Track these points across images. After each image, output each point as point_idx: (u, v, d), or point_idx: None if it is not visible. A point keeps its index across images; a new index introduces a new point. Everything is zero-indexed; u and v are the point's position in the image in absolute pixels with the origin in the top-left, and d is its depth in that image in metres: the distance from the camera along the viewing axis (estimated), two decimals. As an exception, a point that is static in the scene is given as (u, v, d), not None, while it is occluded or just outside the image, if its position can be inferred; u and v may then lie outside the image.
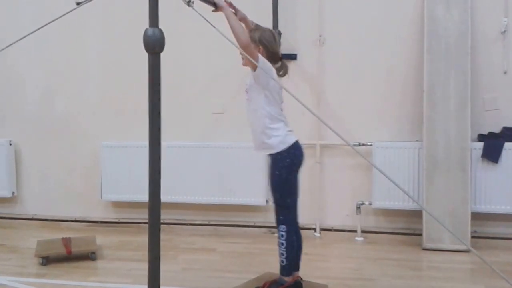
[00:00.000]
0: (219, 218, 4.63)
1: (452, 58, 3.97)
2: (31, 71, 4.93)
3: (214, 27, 2.25)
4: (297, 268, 2.97)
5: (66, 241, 3.86)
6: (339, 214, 4.43)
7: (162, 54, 2.09)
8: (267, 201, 4.45)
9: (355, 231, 4.30)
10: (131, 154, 4.56)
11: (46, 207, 4.95)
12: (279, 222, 2.87)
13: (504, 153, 3.99)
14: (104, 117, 4.80)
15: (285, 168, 2.82)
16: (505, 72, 4.11)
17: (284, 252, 2.84)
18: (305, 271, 3.03)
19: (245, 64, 2.85)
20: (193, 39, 4.46)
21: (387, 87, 4.30)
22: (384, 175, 2.13)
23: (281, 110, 2.87)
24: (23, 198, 5.03)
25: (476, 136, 4.10)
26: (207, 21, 2.27)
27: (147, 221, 2.16)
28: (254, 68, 2.67)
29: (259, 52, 2.75)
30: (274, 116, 2.81)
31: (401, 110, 4.29)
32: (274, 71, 2.83)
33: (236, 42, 2.54)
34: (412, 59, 4.20)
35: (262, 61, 2.70)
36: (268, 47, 2.82)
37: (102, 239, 4.21)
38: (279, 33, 4.15)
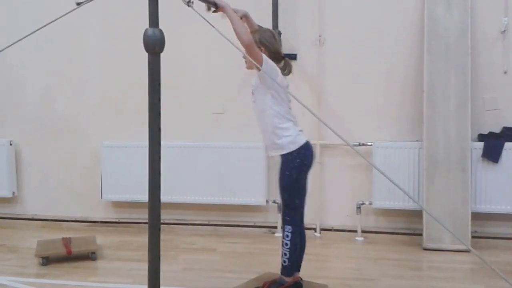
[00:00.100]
0: (219, 218, 4.63)
1: (452, 58, 3.97)
2: (32, 71, 4.93)
3: (214, 27, 2.25)
4: (298, 268, 2.97)
5: (66, 241, 3.86)
6: (339, 214, 4.44)
7: (162, 54, 2.09)
8: (267, 201, 4.45)
9: (355, 231, 4.30)
10: (131, 154, 4.56)
11: (47, 207, 4.95)
12: (285, 222, 2.86)
13: (504, 153, 3.99)
14: (104, 117, 4.80)
15: (295, 168, 2.80)
16: (505, 72, 4.11)
17: (287, 253, 2.83)
18: (305, 271, 3.03)
19: (249, 68, 2.84)
20: (193, 39, 4.46)
21: (387, 87, 4.30)
22: (384, 175, 2.13)
23: (290, 109, 2.85)
24: (24, 198, 5.03)
25: (476, 136, 4.10)
26: (207, 21, 2.27)
27: (147, 221, 2.16)
28: (259, 68, 2.66)
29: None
30: (283, 116, 2.79)
31: (401, 110, 4.29)
32: (278, 70, 2.81)
33: (237, 42, 2.53)
34: (412, 59, 4.20)
35: (266, 60, 2.69)
36: (269, 47, 2.82)
37: (102, 239, 4.21)
38: (279, 33, 4.15)
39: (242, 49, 2.54)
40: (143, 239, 2.40)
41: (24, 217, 4.97)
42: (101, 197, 4.75)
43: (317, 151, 4.36)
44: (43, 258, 3.64)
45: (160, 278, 2.17)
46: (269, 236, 4.41)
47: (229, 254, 3.91)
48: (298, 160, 2.80)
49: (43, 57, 4.87)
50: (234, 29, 2.60)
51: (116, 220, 4.80)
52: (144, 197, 2.20)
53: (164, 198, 2.23)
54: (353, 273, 3.45)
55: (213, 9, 2.64)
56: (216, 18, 2.50)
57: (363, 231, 4.29)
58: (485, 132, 4.12)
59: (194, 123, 4.62)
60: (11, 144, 4.89)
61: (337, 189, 4.41)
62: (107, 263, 3.73)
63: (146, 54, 2.08)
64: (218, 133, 4.55)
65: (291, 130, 2.81)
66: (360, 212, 4.31)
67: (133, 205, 4.67)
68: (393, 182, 2.12)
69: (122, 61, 4.67)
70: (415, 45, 4.18)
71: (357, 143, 4.20)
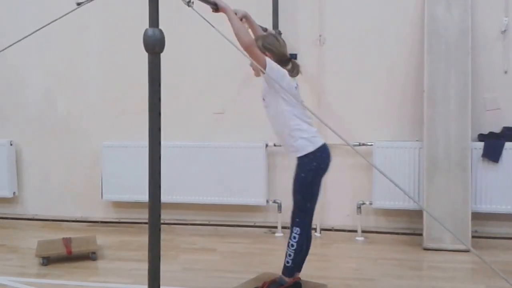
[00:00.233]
0: (220, 218, 4.63)
1: (452, 58, 3.97)
2: (32, 72, 4.93)
3: (214, 27, 2.25)
4: (299, 269, 2.97)
5: (67, 241, 3.86)
6: (339, 214, 4.44)
7: (162, 54, 2.09)
8: (267, 201, 4.45)
9: (356, 231, 4.30)
10: (132, 154, 4.56)
11: (47, 207, 4.95)
12: (294, 224, 2.84)
13: (504, 152, 3.99)
14: (104, 117, 4.80)
15: (311, 171, 2.79)
16: (505, 72, 4.11)
17: (292, 254, 2.83)
18: (305, 271, 3.03)
19: (257, 75, 2.84)
20: (193, 39, 4.46)
21: (388, 87, 4.30)
22: (384, 175, 2.13)
23: (304, 109, 2.82)
24: (24, 198, 5.03)
25: (476, 136, 4.10)
26: (207, 21, 2.27)
27: (147, 221, 2.16)
28: (264, 69, 2.64)
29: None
30: (298, 117, 2.77)
31: (401, 110, 4.29)
32: (285, 71, 2.78)
33: (238, 42, 2.53)
34: (413, 59, 4.20)
35: (270, 63, 2.67)
36: (273, 51, 2.79)
37: (103, 239, 4.21)
38: (279, 33, 4.15)
39: (243, 49, 2.54)
40: (143, 239, 2.40)
41: (24, 217, 4.97)
42: (102, 197, 4.75)
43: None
44: (43, 258, 3.65)
45: (160, 278, 2.17)
46: (269, 236, 4.41)
47: (229, 254, 3.91)
48: (314, 163, 2.79)
49: (43, 57, 4.87)
50: (234, 30, 2.60)
51: (117, 220, 4.80)
52: (144, 197, 2.20)
53: (164, 198, 2.23)
54: (353, 273, 3.45)
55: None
56: (216, 18, 2.50)
57: (363, 231, 4.29)
58: (486, 132, 4.12)
59: (194, 123, 4.62)
60: (11, 144, 4.89)
61: (337, 189, 4.41)
62: (107, 263, 3.73)
63: (146, 54, 2.08)
64: (218, 133, 4.56)
65: (307, 132, 2.79)
66: (360, 212, 4.30)
67: (134, 205, 4.67)
68: (393, 182, 2.12)
69: (122, 61, 4.67)
70: (415, 45, 4.18)
71: (357, 143, 4.20)
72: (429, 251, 3.87)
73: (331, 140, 4.25)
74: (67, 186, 4.92)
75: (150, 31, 2.05)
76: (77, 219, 4.88)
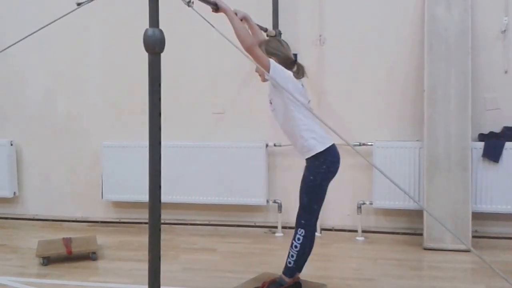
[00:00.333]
0: (220, 218, 4.63)
1: (452, 57, 3.97)
2: (32, 72, 4.93)
3: (214, 27, 2.25)
4: (300, 269, 2.97)
5: (67, 241, 3.86)
6: (339, 214, 4.43)
7: (162, 54, 2.09)
8: (267, 201, 4.45)
9: (356, 231, 4.30)
10: (132, 154, 4.56)
11: (47, 207, 4.95)
12: (299, 225, 2.84)
13: (505, 152, 3.98)
14: (104, 117, 4.80)
15: (320, 174, 2.79)
16: (505, 72, 4.10)
17: (295, 255, 2.83)
18: (305, 271, 3.03)
19: (264, 80, 2.84)
20: (193, 39, 4.46)
21: (388, 87, 4.30)
22: (384, 175, 2.13)
23: (311, 109, 2.82)
24: (24, 198, 5.03)
25: (476, 135, 4.10)
26: (207, 21, 2.27)
27: (147, 221, 2.16)
28: (267, 71, 2.64)
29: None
30: (306, 117, 2.76)
31: (401, 110, 4.29)
32: (289, 73, 2.78)
33: (238, 42, 2.53)
34: (413, 59, 4.20)
35: (273, 65, 2.67)
36: (279, 55, 2.79)
37: (103, 239, 4.21)
38: (280, 33, 4.15)
39: (242, 49, 2.54)
40: (144, 239, 2.40)
41: (25, 217, 4.97)
42: (102, 197, 4.75)
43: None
44: (43, 258, 3.65)
45: (160, 278, 2.17)
46: (270, 236, 4.41)
47: (229, 254, 3.91)
48: (324, 167, 2.78)
49: (44, 57, 4.88)
50: (235, 31, 2.60)
51: (117, 220, 4.80)
52: (145, 197, 2.20)
53: (164, 198, 2.23)
54: (353, 273, 3.45)
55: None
56: (216, 18, 2.50)
57: (363, 231, 4.29)
58: (486, 131, 4.12)
59: (194, 123, 4.62)
60: (11, 144, 4.89)
61: (337, 188, 4.34)
62: (107, 263, 3.73)
63: (146, 54, 2.08)
64: (218, 133, 4.56)
65: (316, 132, 2.78)
66: (360, 212, 4.30)
67: (134, 205, 4.67)
68: (393, 182, 2.12)
69: (122, 61, 4.67)
70: (415, 45, 4.17)
71: (358, 143, 4.20)
72: (429, 251, 3.87)
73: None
74: (67, 186, 4.92)
75: (150, 31, 2.05)
76: (77, 219, 4.88)
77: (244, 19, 2.93)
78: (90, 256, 3.74)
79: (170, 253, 3.84)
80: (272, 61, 2.68)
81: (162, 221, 2.19)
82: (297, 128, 2.78)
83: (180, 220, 4.67)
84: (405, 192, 2.52)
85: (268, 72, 2.64)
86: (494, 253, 3.79)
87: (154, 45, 2.05)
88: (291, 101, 2.72)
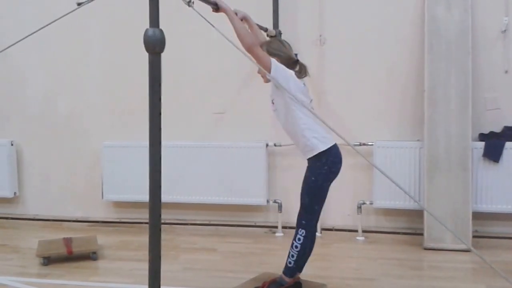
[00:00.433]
0: (220, 218, 4.63)
1: (452, 57, 3.97)
2: (33, 72, 4.93)
3: (214, 27, 2.25)
4: (300, 270, 2.97)
5: (67, 241, 3.86)
6: (340, 214, 4.43)
7: (162, 54, 2.09)
8: (267, 201, 4.45)
9: (356, 231, 4.30)
10: (132, 154, 4.56)
11: (48, 207, 4.96)
12: (300, 225, 2.84)
13: (505, 152, 3.98)
14: (105, 117, 4.80)
15: (322, 175, 2.79)
16: (506, 72, 4.10)
17: (295, 255, 2.83)
18: (306, 271, 3.03)
19: (266, 81, 2.84)
20: (193, 39, 4.46)
21: (388, 87, 4.30)
22: (385, 175, 2.13)
23: (312, 109, 2.83)
24: (25, 198, 5.04)
25: (477, 135, 4.10)
26: (207, 21, 2.27)
27: (148, 221, 2.16)
28: (268, 71, 2.64)
29: None
30: (308, 117, 2.76)
31: (401, 110, 4.29)
32: (291, 72, 2.78)
33: (238, 43, 2.53)
34: (413, 58, 4.20)
35: (275, 64, 2.67)
36: (281, 55, 2.79)
37: (103, 239, 4.21)
38: (280, 33, 4.15)
39: (243, 49, 2.54)
40: (144, 239, 2.40)
41: (25, 217, 4.97)
42: (102, 197, 4.76)
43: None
44: (44, 258, 3.65)
45: (160, 278, 2.17)
46: (270, 236, 4.41)
47: (229, 254, 3.91)
48: (326, 167, 2.78)
49: (44, 57, 4.88)
50: (235, 31, 2.60)
51: (117, 220, 4.81)
52: (145, 197, 2.20)
53: (164, 198, 2.23)
54: (353, 272, 3.45)
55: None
56: (217, 18, 2.50)
57: (363, 231, 4.29)
58: (486, 131, 4.12)
59: (194, 123, 4.62)
60: (12, 145, 4.89)
61: (338, 188, 4.35)
62: (108, 263, 3.73)
63: (147, 54, 2.08)
64: (219, 133, 4.56)
65: (318, 131, 2.78)
66: (361, 211, 4.30)
67: (134, 205, 4.68)
68: (394, 182, 2.12)
69: (122, 61, 4.67)
70: (415, 44, 4.17)
71: (358, 143, 4.20)
72: (430, 251, 3.87)
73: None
74: (67, 186, 4.92)
75: (151, 31, 2.05)
76: (78, 219, 4.88)
77: (244, 19, 2.93)
78: (90, 256, 3.74)
79: (171, 253, 3.84)
80: (273, 60, 2.69)
81: (162, 221, 2.19)
82: (298, 127, 2.78)
83: (180, 220, 4.67)
84: (405, 192, 2.52)
85: (270, 72, 2.64)
86: (495, 253, 3.79)
87: (154, 45, 2.05)
88: (293, 100, 2.73)
